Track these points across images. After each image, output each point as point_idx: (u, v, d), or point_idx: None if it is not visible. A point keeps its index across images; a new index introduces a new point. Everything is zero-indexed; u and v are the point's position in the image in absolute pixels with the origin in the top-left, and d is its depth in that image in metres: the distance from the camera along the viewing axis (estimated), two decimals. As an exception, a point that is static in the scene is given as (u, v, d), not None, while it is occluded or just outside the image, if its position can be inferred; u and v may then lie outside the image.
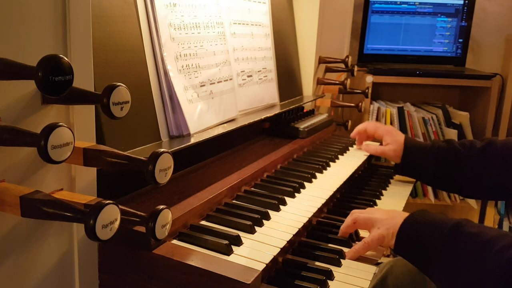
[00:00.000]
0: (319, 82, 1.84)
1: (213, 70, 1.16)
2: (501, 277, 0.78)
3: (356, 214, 1.04)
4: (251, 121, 1.25)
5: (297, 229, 0.95)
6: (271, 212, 0.99)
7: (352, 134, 1.60)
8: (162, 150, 0.70)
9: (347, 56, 1.88)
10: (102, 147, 0.72)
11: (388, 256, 2.09)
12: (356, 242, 1.04)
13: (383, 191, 1.38)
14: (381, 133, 1.48)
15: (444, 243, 0.87)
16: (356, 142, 1.61)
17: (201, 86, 1.11)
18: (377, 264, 0.99)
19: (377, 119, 2.44)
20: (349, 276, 0.91)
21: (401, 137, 1.43)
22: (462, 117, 2.52)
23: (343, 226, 1.05)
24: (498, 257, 0.80)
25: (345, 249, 1.01)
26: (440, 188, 2.16)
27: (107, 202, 0.60)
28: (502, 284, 0.78)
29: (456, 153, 1.32)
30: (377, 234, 0.98)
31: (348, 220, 1.05)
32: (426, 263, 0.92)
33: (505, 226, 2.58)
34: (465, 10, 2.63)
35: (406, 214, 0.98)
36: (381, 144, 1.52)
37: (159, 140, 1.00)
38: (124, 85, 0.69)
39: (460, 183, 1.33)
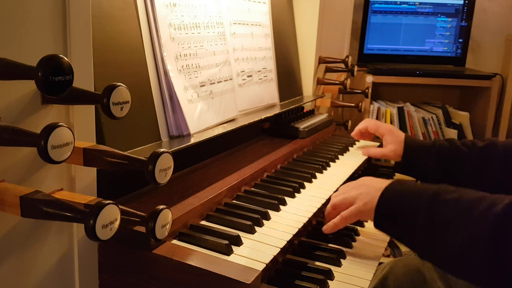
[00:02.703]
0: (319, 82, 1.84)
1: (213, 70, 1.16)
2: (492, 234, 0.78)
3: (332, 200, 1.05)
4: (251, 121, 1.25)
5: (297, 229, 0.94)
6: (271, 212, 0.99)
7: (353, 134, 1.59)
8: (162, 150, 0.70)
9: (347, 56, 1.88)
10: (102, 147, 0.72)
11: (388, 256, 2.09)
12: (356, 241, 1.04)
13: (383, 191, 1.38)
14: (382, 132, 1.48)
15: (425, 213, 0.88)
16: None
17: (201, 86, 1.11)
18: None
19: (377, 119, 2.45)
20: (349, 276, 0.92)
21: (401, 136, 1.43)
22: (462, 117, 2.53)
23: (326, 216, 1.06)
24: (484, 217, 0.80)
25: (345, 249, 1.01)
26: (440, 188, 2.16)
27: (107, 202, 0.60)
28: (496, 240, 0.78)
29: (458, 152, 1.32)
30: (355, 208, 0.99)
31: (328, 208, 1.05)
32: (408, 235, 0.92)
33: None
34: (465, 10, 2.63)
35: (380, 185, 0.98)
36: (380, 145, 1.52)
37: (159, 140, 1.00)
38: (124, 85, 0.69)
39: (460, 183, 1.33)
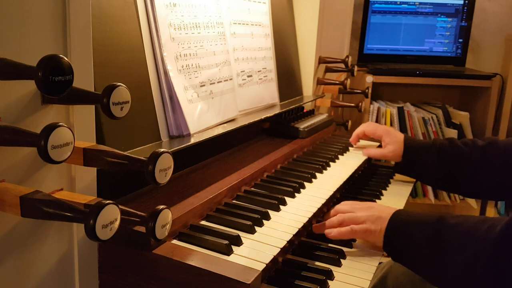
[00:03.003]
0: (319, 82, 1.84)
1: (213, 70, 1.16)
2: (494, 253, 0.83)
3: (341, 216, 1.04)
4: (251, 121, 1.25)
5: (297, 229, 0.95)
6: (271, 212, 0.99)
7: (351, 139, 1.58)
8: (162, 150, 0.70)
9: (347, 56, 1.88)
10: (102, 147, 0.72)
11: (388, 256, 2.09)
12: (357, 241, 1.04)
13: (383, 191, 1.38)
14: (380, 134, 1.48)
15: (431, 238, 0.92)
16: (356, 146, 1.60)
17: (201, 86, 1.11)
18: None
19: (377, 119, 2.44)
20: (349, 276, 0.92)
21: (400, 136, 1.43)
22: (462, 117, 2.53)
23: (327, 225, 1.05)
24: (486, 238, 0.84)
25: (345, 249, 1.01)
26: (441, 188, 2.16)
27: (107, 202, 0.60)
28: (498, 258, 0.82)
29: (459, 151, 1.32)
30: (365, 227, 1.01)
31: (333, 221, 1.04)
32: (415, 260, 0.95)
33: (505, 226, 2.58)
34: (465, 10, 2.63)
35: (389, 211, 1.01)
36: (380, 146, 1.51)
37: (159, 140, 1.00)
38: (124, 85, 0.69)
39: (461, 182, 1.33)
